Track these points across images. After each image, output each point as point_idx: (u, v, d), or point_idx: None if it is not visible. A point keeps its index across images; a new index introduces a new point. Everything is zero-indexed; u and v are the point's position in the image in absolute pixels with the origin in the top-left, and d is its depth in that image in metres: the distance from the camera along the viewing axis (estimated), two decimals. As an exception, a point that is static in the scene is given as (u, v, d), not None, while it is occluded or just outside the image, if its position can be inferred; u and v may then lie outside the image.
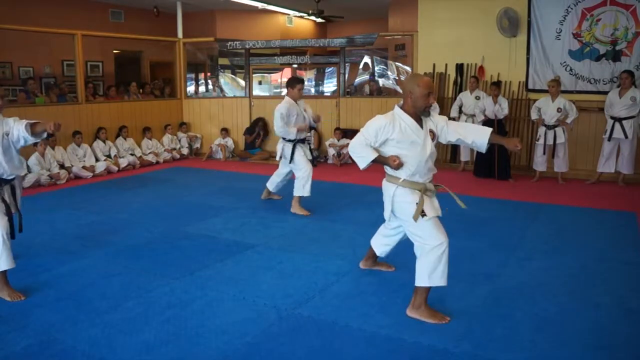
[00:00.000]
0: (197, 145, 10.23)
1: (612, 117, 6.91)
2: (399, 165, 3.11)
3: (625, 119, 6.80)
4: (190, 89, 11.20)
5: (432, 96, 3.11)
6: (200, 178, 7.89)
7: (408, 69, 9.58)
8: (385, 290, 3.59)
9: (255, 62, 10.05)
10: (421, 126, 3.16)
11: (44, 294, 3.55)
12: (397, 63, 10.41)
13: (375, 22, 12.75)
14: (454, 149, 8.61)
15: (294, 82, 5.62)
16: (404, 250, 3.62)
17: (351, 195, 6.41)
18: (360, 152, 3.19)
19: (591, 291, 3.58)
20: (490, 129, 3.24)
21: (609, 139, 6.94)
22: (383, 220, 3.61)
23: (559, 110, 7.11)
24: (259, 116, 9.88)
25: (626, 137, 6.81)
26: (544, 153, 7.32)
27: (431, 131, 3.19)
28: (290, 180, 5.86)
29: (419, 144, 3.12)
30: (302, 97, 5.72)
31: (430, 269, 3.05)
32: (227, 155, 9.74)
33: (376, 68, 10.87)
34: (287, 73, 10.38)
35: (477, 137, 3.20)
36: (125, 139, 8.93)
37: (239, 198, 6.36)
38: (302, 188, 5.53)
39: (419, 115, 3.16)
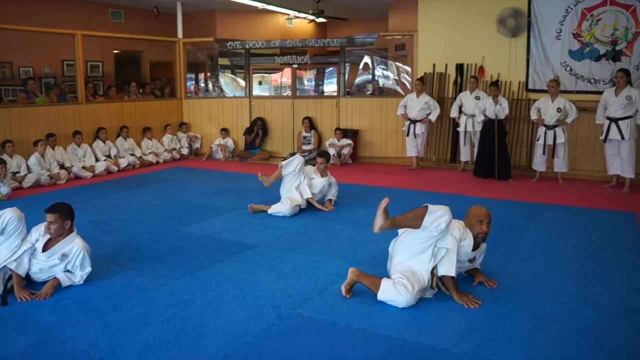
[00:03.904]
0: (197, 145, 10.23)
1: (608, 118, 6.81)
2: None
3: (621, 119, 6.70)
4: (190, 89, 11.21)
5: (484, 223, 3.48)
6: (200, 178, 7.89)
7: (408, 69, 9.58)
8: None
9: (255, 62, 10.05)
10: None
11: (44, 294, 3.55)
12: (397, 63, 10.40)
13: (375, 22, 12.73)
14: (454, 148, 8.60)
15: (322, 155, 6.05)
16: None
17: (351, 195, 6.41)
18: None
19: (591, 291, 3.58)
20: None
21: (605, 140, 6.87)
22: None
23: (558, 110, 7.10)
24: (258, 116, 9.88)
25: (622, 137, 6.68)
26: (544, 153, 7.31)
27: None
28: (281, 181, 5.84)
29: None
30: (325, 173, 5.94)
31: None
32: (227, 155, 9.74)
33: (376, 68, 10.86)
34: (287, 73, 10.39)
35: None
36: (125, 139, 8.94)
37: (239, 198, 6.35)
38: (273, 207, 5.56)
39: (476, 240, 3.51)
